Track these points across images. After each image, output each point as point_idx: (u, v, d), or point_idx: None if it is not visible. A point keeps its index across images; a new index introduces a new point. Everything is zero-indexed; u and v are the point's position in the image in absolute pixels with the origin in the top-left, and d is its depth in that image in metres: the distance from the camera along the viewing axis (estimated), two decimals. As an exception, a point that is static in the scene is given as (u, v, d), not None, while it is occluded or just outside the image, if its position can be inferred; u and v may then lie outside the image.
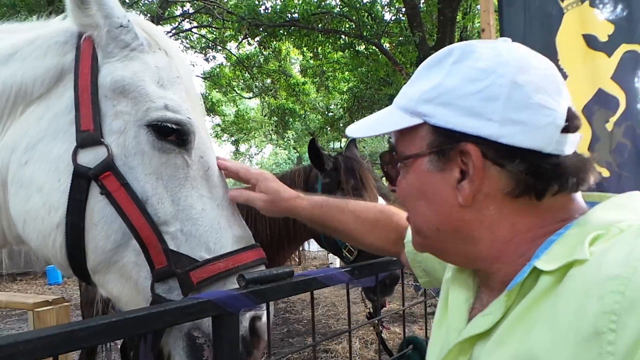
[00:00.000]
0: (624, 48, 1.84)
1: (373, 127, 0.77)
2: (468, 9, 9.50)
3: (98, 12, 1.08)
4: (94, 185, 1.02)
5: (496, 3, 2.60)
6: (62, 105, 1.08)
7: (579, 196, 0.67)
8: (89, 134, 1.04)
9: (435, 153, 0.67)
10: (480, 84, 0.63)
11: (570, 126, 0.62)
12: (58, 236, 1.04)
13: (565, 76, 1.96)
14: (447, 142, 0.66)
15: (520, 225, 0.65)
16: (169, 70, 1.15)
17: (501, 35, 2.18)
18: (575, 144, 0.64)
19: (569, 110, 0.63)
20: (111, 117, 1.07)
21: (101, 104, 1.07)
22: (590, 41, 1.91)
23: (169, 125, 1.06)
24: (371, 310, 2.75)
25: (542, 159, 0.61)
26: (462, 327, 0.71)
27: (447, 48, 0.70)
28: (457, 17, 7.97)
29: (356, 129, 0.80)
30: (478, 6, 10.84)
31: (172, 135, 1.08)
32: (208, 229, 1.07)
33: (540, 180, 0.62)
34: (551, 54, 2.02)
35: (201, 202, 1.09)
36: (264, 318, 1.04)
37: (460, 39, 10.50)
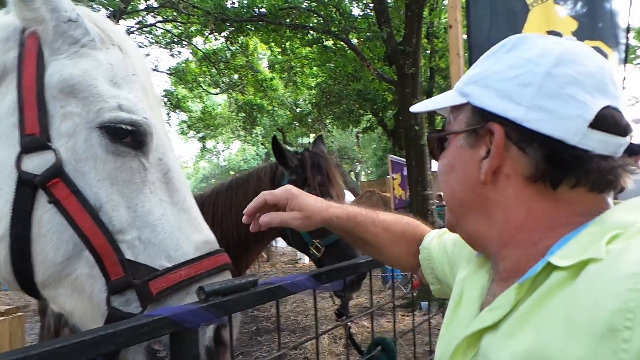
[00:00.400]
0: (586, 44, 1.86)
1: (432, 103, 0.83)
2: (435, 5, 9.60)
3: (43, 5, 1.00)
4: (41, 193, 0.95)
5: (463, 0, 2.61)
6: (4, 107, 1.00)
7: (605, 197, 0.66)
8: (34, 138, 0.97)
9: (469, 131, 0.71)
10: (518, 71, 0.66)
11: (601, 123, 0.61)
12: (2, 249, 0.97)
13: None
14: (479, 121, 0.69)
15: (535, 212, 0.66)
16: (124, 68, 1.08)
17: (468, 32, 2.18)
18: (615, 146, 0.62)
19: (607, 108, 0.62)
20: (59, 119, 1.00)
21: (48, 105, 0.99)
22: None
23: (123, 126, 0.99)
24: (339, 306, 2.72)
25: (564, 148, 0.62)
26: (471, 320, 0.72)
27: (507, 39, 0.73)
28: (424, 13, 8.03)
29: (419, 106, 0.87)
30: (445, 2, 10.98)
31: (127, 137, 1.01)
32: (168, 235, 1.01)
33: (556, 169, 0.63)
34: (517, 51, 2.03)
35: (161, 208, 1.02)
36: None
37: (427, 35, 10.61)
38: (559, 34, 1.91)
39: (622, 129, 0.63)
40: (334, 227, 1.07)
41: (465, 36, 2.50)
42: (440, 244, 1.03)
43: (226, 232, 2.54)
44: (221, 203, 2.64)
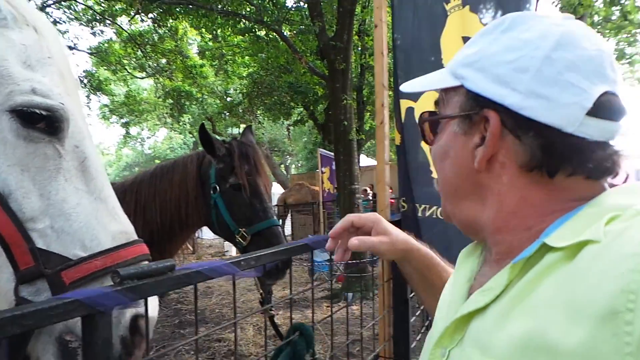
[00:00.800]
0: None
1: (421, 84, 0.79)
2: (367, 3, 9.80)
3: None
4: None
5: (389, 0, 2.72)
6: None
7: (602, 186, 0.64)
8: None
9: (463, 116, 0.69)
10: (515, 54, 0.64)
11: (599, 110, 0.60)
12: None
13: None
14: (474, 107, 0.67)
15: (530, 200, 0.65)
16: (39, 50, 1.03)
17: (393, 33, 2.28)
18: (611, 132, 0.61)
19: (605, 94, 0.60)
20: None
21: None
22: (469, 44, 2.07)
23: (37, 111, 0.96)
24: (264, 296, 2.76)
25: (560, 137, 0.60)
26: (460, 304, 0.70)
27: (503, 17, 0.70)
28: (357, 10, 8.19)
29: (409, 85, 0.82)
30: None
31: (41, 122, 0.97)
32: (84, 225, 0.99)
33: (552, 158, 0.62)
34: (436, 52, 2.16)
35: (76, 196, 1.00)
36: (151, 314, 0.99)
37: (359, 32, 10.82)
38: (473, 40, 2.06)
39: (618, 114, 0.62)
40: (411, 259, 1.02)
41: (391, 35, 2.61)
42: None
43: (149, 220, 2.50)
44: (145, 191, 2.57)
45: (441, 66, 2.14)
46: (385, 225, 1.02)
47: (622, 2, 9.24)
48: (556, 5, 9.18)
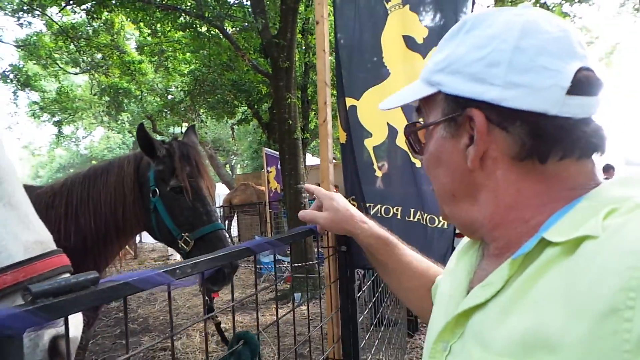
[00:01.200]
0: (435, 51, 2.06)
1: (399, 98, 0.80)
2: (310, 1, 9.78)
3: None
4: None
5: (331, -3, 2.69)
6: None
7: (593, 167, 0.65)
8: None
9: (447, 120, 0.70)
10: (484, 50, 0.65)
11: (577, 88, 0.60)
12: None
13: (388, 74, 2.11)
14: (456, 109, 0.68)
15: (525, 191, 0.65)
16: None
17: (335, 30, 2.26)
18: (592, 107, 0.62)
19: (580, 71, 0.61)
20: None
21: None
22: (409, 42, 2.09)
23: None
24: (209, 302, 2.65)
25: (546, 120, 0.61)
26: (461, 299, 0.70)
27: (463, 19, 0.72)
28: (300, 8, 8.15)
29: (387, 102, 0.82)
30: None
31: None
32: None
33: (542, 143, 0.62)
34: (377, 51, 2.16)
35: None
36: (72, 334, 0.90)
37: (302, 31, 10.80)
38: (413, 39, 2.08)
39: (597, 88, 0.62)
40: (361, 242, 1.08)
41: (332, 33, 2.59)
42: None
43: (82, 225, 2.32)
44: (77, 194, 2.39)
45: (382, 65, 2.14)
46: (334, 204, 1.10)
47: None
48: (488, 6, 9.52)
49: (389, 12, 2.12)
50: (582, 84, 0.61)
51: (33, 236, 0.94)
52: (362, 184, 2.08)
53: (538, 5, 9.73)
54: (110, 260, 2.60)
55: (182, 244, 2.30)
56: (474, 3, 1.93)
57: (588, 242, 0.54)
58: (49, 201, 2.43)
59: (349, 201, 2.23)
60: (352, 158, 2.12)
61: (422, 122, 0.78)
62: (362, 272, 3.64)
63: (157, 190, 2.31)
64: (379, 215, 2.06)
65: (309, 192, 1.13)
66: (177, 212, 2.30)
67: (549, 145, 0.62)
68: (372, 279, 2.62)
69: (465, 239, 0.85)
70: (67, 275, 0.95)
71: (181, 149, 2.39)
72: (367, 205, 2.06)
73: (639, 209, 0.54)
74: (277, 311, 1.49)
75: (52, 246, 0.96)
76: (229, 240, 2.44)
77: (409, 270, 1.08)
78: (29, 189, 2.65)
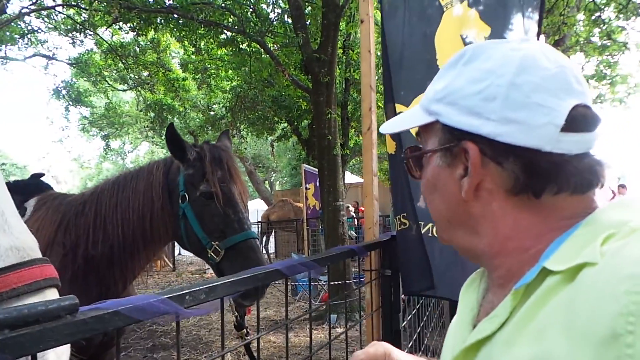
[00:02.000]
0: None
1: (399, 123, 0.82)
2: (351, 18, 9.71)
3: None
4: None
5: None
6: None
7: (591, 198, 0.65)
8: None
9: (443, 150, 0.71)
10: (481, 85, 0.65)
11: (572, 125, 0.61)
12: None
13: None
14: (452, 140, 0.69)
15: (522, 222, 0.66)
16: None
17: (381, 29, 2.06)
18: (588, 143, 0.63)
19: (576, 108, 0.61)
20: None
21: None
22: (468, 42, 1.86)
23: None
24: (239, 318, 2.45)
25: (540, 157, 0.61)
26: (467, 333, 0.70)
27: (463, 49, 0.72)
28: (341, 25, 8.06)
29: (388, 126, 0.85)
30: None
31: None
32: None
33: (536, 178, 0.63)
34: (430, 53, 1.94)
35: None
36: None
37: (343, 47, 10.72)
38: (472, 38, 1.85)
39: (592, 124, 0.63)
40: None
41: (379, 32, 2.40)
42: None
43: (110, 233, 2.20)
44: (106, 201, 2.28)
45: (437, 68, 1.92)
46: (398, 354, 0.97)
47: (605, 21, 9.30)
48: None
49: (444, 9, 1.90)
50: (577, 121, 0.62)
51: (8, 240, 0.76)
52: (414, 200, 1.83)
53: (591, 21, 9.30)
54: (138, 273, 2.47)
55: (212, 254, 2.11)
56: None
57: (587, 269, 0.54)
58: (79, 209, 2.34)
59: (400, 219, 1.99)
60: (402, 171, 1.88)
61: (421, 148, 0.80)
62: (407, 297, 3.36)
63: (187, 196, 2.16)
64: (429, 235, 1.81)
65: None
66: (206, 219, 2.12)
67: (543, 180, 0.63)
68: (417, 305, 2.35)
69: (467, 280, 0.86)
70: (51, 292, 0.77)
71: (212, 152, 2.22)
72: (419, 223, 1.81)
73: (635, 233, 0.54)
74: (310, 333, 1.27)
75: (34, 254, 0.78)
76: (263, 250, 2.24)
77: None
78: (60, 197, 2.61)
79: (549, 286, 0.58)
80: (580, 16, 9.60)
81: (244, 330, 2.36)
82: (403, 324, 1.78)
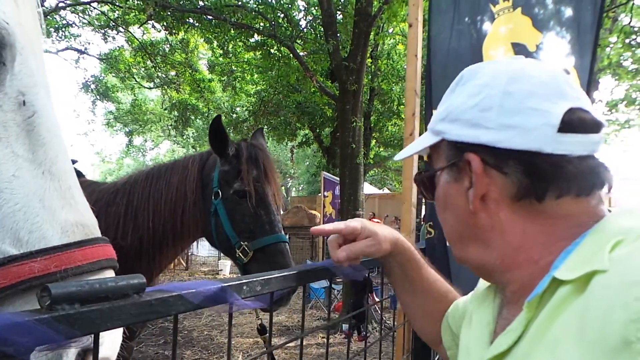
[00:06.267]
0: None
1: (412, 148, 0.84)
2: (381, 29, 9.71)
3: None
4: None
5: None
6: None
7: (597, 204, 0.65)
8: None
9: (450, 166, 0.73)
10: (477, 98, 0.68)
11: (570, 126, 0.62)
12: None
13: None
14: (457, 154, 0.71)
15: (531, 232, 0.66)
16: None
17: (428, 35, 2.02)
18: (592, 145, 0.63)
19: (571, 110, 0.63)
20: None
21: None
22: (519, 50, 1.81)
23: None
24: (262, 321, 2.41)
25: (541, 159, 0.63)
26: (485, 349, 0.71)
27: (460, 73, 0.76)
28: (371, 33, 8.06)
29: (402, 153, 0.90)
30: (390, 30, 11.17)
31: None
32: (20, 207, 0.69)
33: (537, 181, 0.64)
34: (477, 60, 1.90)
35: (13, 164, 0.70)
36: (105, 353, 0.69)
37: (371, 57, 10.71)
38: (524, 46, 1.80)
39: (593, 126, 0.63)
40: (396, 254, 1.03)
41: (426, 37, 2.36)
42: (460, 301, 0.99)
43: (140, 224, 2.16)
44: (138, 192, 2.26)
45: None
46: (369, 226, 1.00)
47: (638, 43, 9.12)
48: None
49: (495, 16, 1.86)
50: (575, 122, 0.63)
51: (74, 216, 0.74)
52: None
53: (625, 44, 9.14)
54: (164, 267, 2.45)
55: (240, 254, 2.07)
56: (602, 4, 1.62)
57: (598, 277, 0.54)
58: (110, 198, 2.32)
59: (427, 228, 1.95)
60: None
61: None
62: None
63: (220, 193, 2.13)
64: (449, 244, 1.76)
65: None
66: (237, 218, 2.09)
67: (545, 183, 0.63)
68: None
69: (481, 286, 0.86)
70: (109, 273, 0.75)
71: (249, 151, 2.19)
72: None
73: None
74: (327, 343, 1.22)
75: (97, 232, 0.76)
76: (291, 256, 2.20)
77: (434, 291, 1.06)
78: (92, 184, 2.60)
79: (561, 297, 0.58)
80: (613, 39, 9.45)
81: (267, 335, 2.32)
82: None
